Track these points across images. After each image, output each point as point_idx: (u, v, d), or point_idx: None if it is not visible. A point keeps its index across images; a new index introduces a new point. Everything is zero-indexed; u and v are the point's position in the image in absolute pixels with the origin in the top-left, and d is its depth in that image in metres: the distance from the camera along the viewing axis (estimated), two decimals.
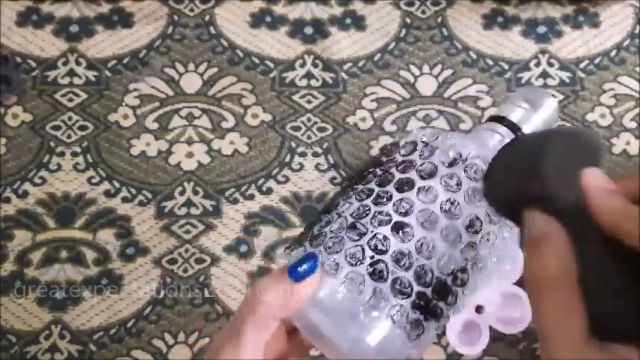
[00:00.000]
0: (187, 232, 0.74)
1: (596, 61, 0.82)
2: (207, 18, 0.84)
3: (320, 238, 0.35)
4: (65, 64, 0.81)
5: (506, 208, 0.30)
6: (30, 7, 0.84)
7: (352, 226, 0.34)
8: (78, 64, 0.81)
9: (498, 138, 0.40)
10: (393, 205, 0.34)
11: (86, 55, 0.82)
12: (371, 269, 0.33)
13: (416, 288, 0.33)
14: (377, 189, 0.35)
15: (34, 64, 0.81)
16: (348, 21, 0.84)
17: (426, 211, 0.33)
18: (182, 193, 0.75)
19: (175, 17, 0.84)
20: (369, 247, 0.33)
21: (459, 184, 0.34)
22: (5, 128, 0.78)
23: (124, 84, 0.80)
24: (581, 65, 0.82)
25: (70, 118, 0.79)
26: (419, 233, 0.33)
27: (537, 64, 0.82)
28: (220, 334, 0.36)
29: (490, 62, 0.82)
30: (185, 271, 0.72)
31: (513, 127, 0.40)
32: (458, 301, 0.35)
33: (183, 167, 0.77)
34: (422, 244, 0.33)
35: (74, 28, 0.83)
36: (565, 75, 0.81)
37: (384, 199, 0.34)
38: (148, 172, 0.76)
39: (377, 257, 0.33)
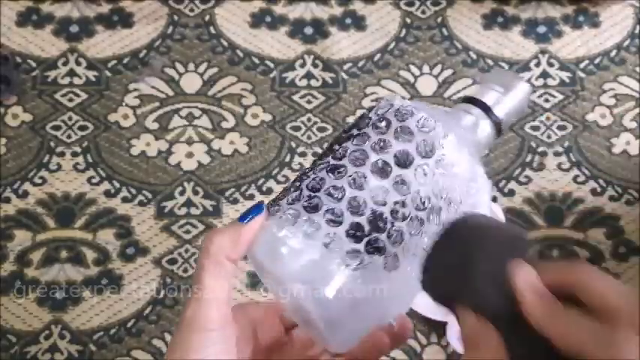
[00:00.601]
0: (187, 232, 0.74)
1: (596, 61, 0.82)
2: (207, 18, 0.84)
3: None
4: (65, 64, 0.81)
5: (441, 301, 0.31)
6: (30, 7, 0.84)
7: (297, 179, 0.38)
8: (78, 64, 0.81)
9: (471, 119, 0.41)
10: (333, 155, 0.38)
11: (86, 55, 0.82)
12: (307, 204, 0.36)
13: (349, 217, 0.35)
14: (330, 156, 0.38)
15: (34, 64, 0.81)
16: (348, 21, 0.84)
17: (358, 151, 0.37)
18: (182, 193, 0.75)
19: (175, 17, 0.84)
20: (307, 188, 0.37)
21: (388, 126, 0.37)
22: (5, 128, 0.78)
23: (124, 84, 0.80)
24: (581, 65, 0.82)
25: (70, 118, 0.79)
26: (351, 170, 0.36)
27: (537, 64, 0.82)
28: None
29: (490, 62, 0.82)
30: (185, 271, 0.72)
31: (486, 109, 0.41)
32: (404, 237, 0.36)
33: (184, 167, 0.77)
34: (354, 179, 0.36)
35: (74, 28, 0.83)
36: (565, 75, 0.81)
37: (329, 156, 0.38)
38: (148, 172, 0.76)
39: (313, 194, 0.36)
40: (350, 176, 0.36)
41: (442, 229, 0.33)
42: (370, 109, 0.38)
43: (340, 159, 0.37)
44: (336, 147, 0.38)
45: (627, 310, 0.26)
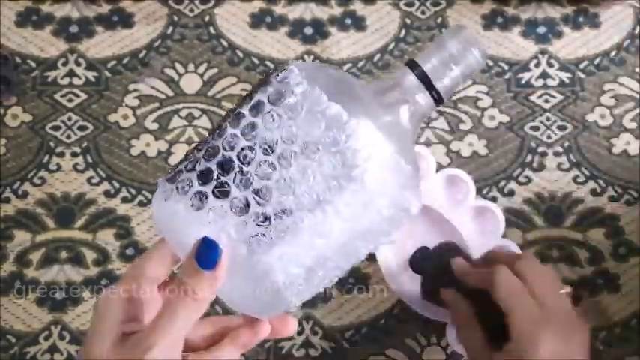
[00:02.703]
0: None
1: (596, 61, 0.82)
2: (207, 18, 0.84)
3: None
4: (65, 64, 0.81)
5: (432, 296, 0.63)
6: (30, 8, 0.84)
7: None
8: (78, 64, 0.81)
9: (397, 95, 0.40)
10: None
11: (86, 56, 0.82)
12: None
13: (202, 163, 0.38)
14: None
15: (33, 65, 0.81)
16: (348, 21, 0.84)
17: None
18: None
19: (175, 18, 0.84)
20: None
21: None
22: (5, 128, 0.78)
23: (124, 84, 0.80)
24: (581, 66, 0.82)
25: (69, 119, 0.79)
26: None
27: (537, 65, 0.82)
28: None
29: (490, 63, 0.82)
30: None
31: (425, 80, 0.41)
32: (252, 181, 0.37)
33: None
34: (218, 133, 0.38)
35: (74, 29, 0.83)
36: (565, 75, 0.81)
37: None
38: (147, 172, 0.76)
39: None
40: (217, 131, 0.39)
41: (418, 260, 0.64)
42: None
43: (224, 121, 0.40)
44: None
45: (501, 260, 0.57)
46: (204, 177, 0.37)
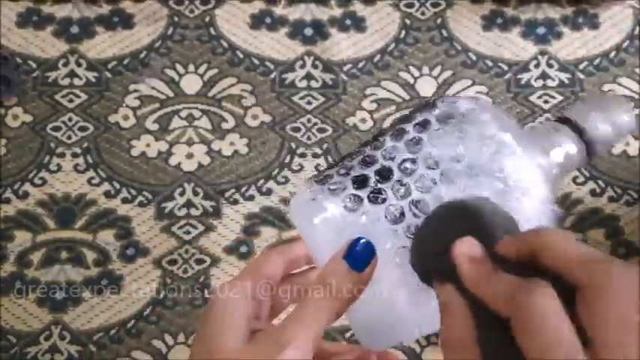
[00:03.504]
0: (187, 232, 0.74)
1: (596, 62, 0.82)
2: (207, 19, 0.84)
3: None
4: (66, 65, 0.81)
5: (426, 280, 0.35)
6: (30, 8, 0.84)
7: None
8: (78, 65, 0.81)
9: (553, 133, 0.40)
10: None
11: (86, 56, 0.82)
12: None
13: (358, 170, 0.37)
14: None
15: (34, 65, 0.81)
16: (348, 22, 0.84)
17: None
18: (182, 193, 0.75)
19: (175, 18, 0.84)
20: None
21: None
22: (5, 129, 0.78)
23: (125, 85, 0.80)
24: (581, 66, 0.82)
25: (70, 119, 0.79)
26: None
27: (537, 65, 0.82)
28: None
29: (490, 63, 0.82)
30: (185, 271, 0.72)
31: (576, 130, 0.40)
32: (411, 192, 0.36)
33: (184, 168, 0.77)
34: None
35: (74, 29, 0.83)
36: (564, 76, 0.81)
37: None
38: (148, 172, 0.77)
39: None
40: (374, 143, 0.39)
41: (430, 212, 0.36)
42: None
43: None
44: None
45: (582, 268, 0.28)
46: (360, 182, 0.37)
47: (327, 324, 0.35)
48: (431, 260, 0.34)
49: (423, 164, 0.36)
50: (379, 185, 0.36)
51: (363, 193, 0.36)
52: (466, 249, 0.31)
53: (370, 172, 0.37)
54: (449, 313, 0.32)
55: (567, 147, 0.40)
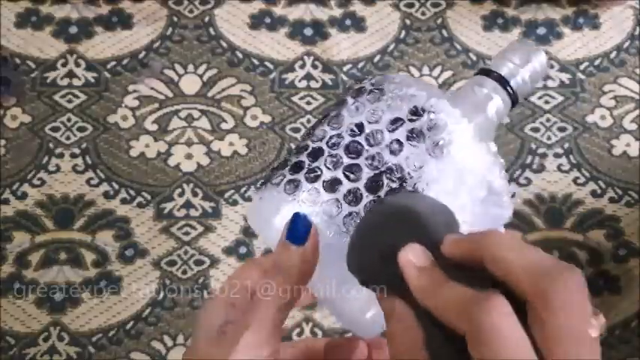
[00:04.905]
0: (186, 233, 0.74)
1: (596, 62, 0.82)
2: (206, 19, 0.84)
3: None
4: (64, 65, 0.81)
5: (365, 284, 0.31)
6: (29, 9, 0.84)
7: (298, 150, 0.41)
8: (77, 65, 0.81)
9: (483, 92, 0.42)
10: (329, 124, 0.40)
11: (85, 57, 0.82)
12: (308, 174, 0.38)
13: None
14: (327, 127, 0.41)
15: (33, 66, 0.81)
16: (348, 22, 0.84)
17: (352, 124, 0.39)
18: (181, 194, 0.75)
19: (175, 18, 0.84)
20: (308, 158, 0.39)
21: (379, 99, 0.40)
22: (4, 129, 0.78)
23: (124, 85, 0.80)
24: (581, 67, 0.82)
25: (69, 120, 0.78)
26: (347, 139, 0.38)
27: None
28: None
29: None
30: (184, 272, 0.72)
31: (502, 81, 0.42)
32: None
33: (183, 169, 0.76)
34: (349, 147, 0.39)
35: (73, 30, 0.83)
36: (565, 76, 0.81)
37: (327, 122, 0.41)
38: (147, 173, 0.76)
39: (313, 165, 0.38)
40: (346, 146, 0.40)
41: (367, 210, 0.36)
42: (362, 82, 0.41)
43: (339, 136, 0.40)
44: (332, 113, 0.41)
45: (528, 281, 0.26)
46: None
47: (281, 305, 0.35)
48: (371, 267, 0.31)
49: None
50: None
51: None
52: (412, 257, 0.29)
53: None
54: (395, 323, 0.30)
55: (496, 99, 0.42)
